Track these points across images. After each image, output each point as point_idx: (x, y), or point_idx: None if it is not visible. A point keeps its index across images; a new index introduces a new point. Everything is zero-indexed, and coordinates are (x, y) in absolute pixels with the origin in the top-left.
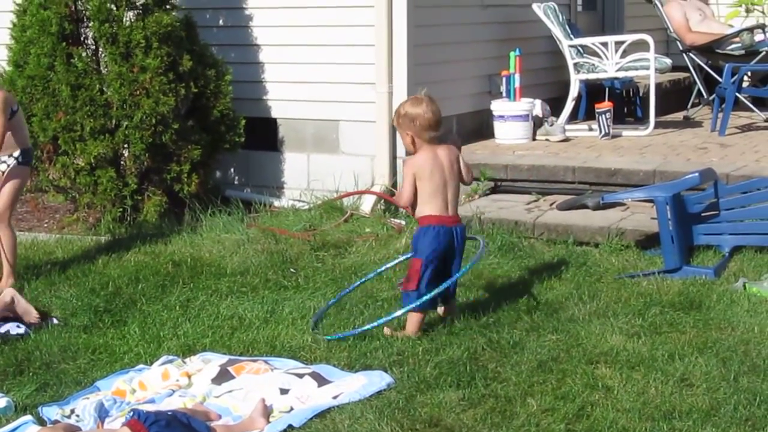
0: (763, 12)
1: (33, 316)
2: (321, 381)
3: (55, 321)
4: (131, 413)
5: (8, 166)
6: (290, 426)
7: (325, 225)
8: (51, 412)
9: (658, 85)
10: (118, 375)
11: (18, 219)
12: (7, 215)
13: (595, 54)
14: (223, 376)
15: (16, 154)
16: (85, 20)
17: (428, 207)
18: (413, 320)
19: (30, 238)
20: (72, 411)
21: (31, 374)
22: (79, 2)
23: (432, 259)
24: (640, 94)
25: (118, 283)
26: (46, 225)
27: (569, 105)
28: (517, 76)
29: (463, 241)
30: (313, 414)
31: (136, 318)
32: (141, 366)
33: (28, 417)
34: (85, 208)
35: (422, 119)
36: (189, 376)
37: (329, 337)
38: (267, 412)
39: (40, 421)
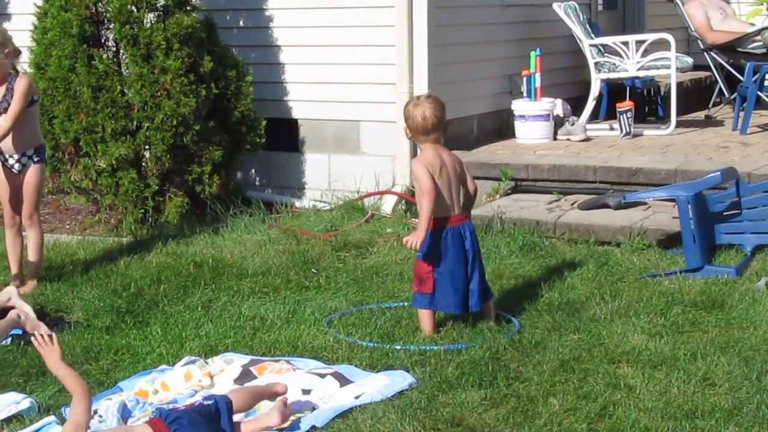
0: None
1: (43, 330)
2: (343, 381)
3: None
4: (155, 412)
5: (24, 165)
6: (313, 426)
7: (346, 225)
8: None
9: (679, 84)
10: (141, 376)
11: (40, 221)
12: (36, 215)
13: (616, 53)
14: (245, 376)
15: (30, 152)
16: (105, 22)
17: (435, 208)
18: (425, 319)
19: (52, 239)
20: (95, 411)
21: (53, 375)
22: (100, 4)
23: (444, 262)
24: (662, 93)
25: (141, 284)
26: (68, 226)
27: (590, 104)
28: (537, 76)
29: (474, 236)
30: (335, 414)
31: (158, 319)
32: (163, 367)
33: (51, 417)
34: (106, 210)
35: (413, 120)
36: (211, 377)
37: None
38: (287, 411)
39: (63, 422)
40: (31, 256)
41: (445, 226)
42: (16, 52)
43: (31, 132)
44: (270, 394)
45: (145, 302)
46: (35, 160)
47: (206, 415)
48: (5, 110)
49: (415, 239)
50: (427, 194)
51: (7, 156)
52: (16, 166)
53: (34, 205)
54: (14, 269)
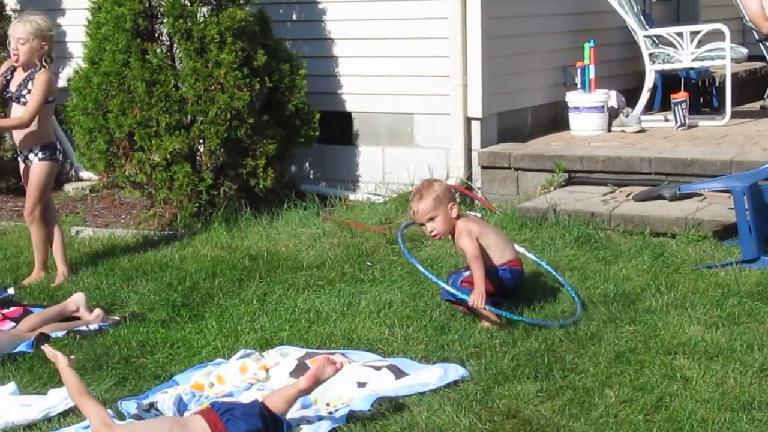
0: None
1: (95, 317)
2: (398, 373)
3: (117, 317)
4: (211, 405)
5: (30, 162)
6: (361, 411)
7: (400, 218)
8: (130, 406)
9: (734, 75)
10: (196, 369)
11: (95, 215)
12: (38, 212)
13: (671, 44)
14: (300, 369)
15: (36, 150)
16: (159, 16)
17: (507, 254)
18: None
19: (107, 234)
20: (151, 405)
21: (109, 369)
22: None
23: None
24: (716, 84)
25: (196, 278)
26: (122, 221)
27: (644, 96)
28: (592, 68)
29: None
30: (377, 397)
31: (213, 312)
32: (219, 360)
33: (108, 411)
34: (161, 204)
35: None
36: (267, 370)
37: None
38: (316, 372)
39: (119, 415)
40: (37, 252)
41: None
42: (50, 58)
43: (40, 130)
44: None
45: (200, 296)
46: (40, 157)
47: (257, 409)
48: (20, 99)
49: (477, 298)
50: (476, 259)
51: (19, 151)
52: (26, 161)
53: (33, 201)
54: (37, 263)
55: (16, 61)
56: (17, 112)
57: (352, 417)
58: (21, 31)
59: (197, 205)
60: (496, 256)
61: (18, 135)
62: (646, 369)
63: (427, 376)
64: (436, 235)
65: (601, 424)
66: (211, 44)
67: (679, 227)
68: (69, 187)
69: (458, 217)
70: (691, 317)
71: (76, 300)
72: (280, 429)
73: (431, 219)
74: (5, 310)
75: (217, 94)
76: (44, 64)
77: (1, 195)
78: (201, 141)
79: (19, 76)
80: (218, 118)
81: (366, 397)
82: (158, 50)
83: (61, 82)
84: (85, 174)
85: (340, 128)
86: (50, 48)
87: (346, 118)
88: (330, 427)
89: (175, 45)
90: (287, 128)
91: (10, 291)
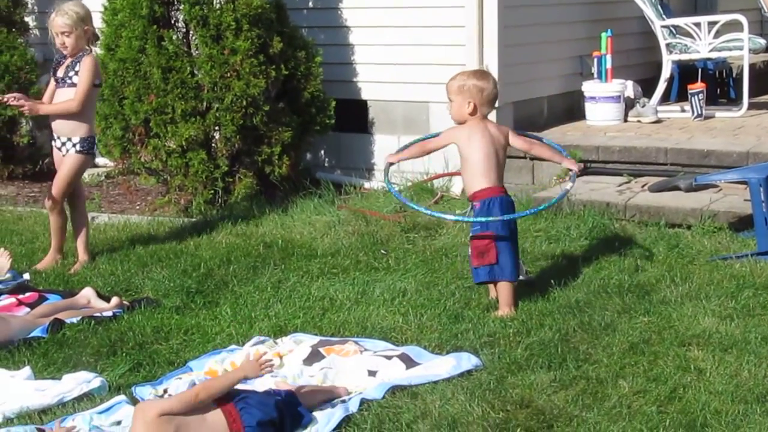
0: None
1: (112, 305)
2: (409, 363)
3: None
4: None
5: (67, 151)
6: (375, 400)
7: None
8: (144, 391)
9: (751, 66)
10: (211, 355)
11: (110, 201)
12: (61, 202)
13: (688, 34)
14: (314, 356)
15: (76, 140)
16: (175, 3)
17: (485, 180)
18: (506, 293)
19: (122, 220)
20: (165, 391)
21: (124, 354)
22: None
23: (502, 229)
24: (734, 75)
25: (210, 265)
26: (138, 207)
27: (661, 86)
28: (608, 57)
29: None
30: (390, 386)
31: (227, 299)
32: (233, 346)
33: (122, 397)
34: (176, 191)
35: (490, 93)
36: (281, 357)
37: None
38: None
39: (134, 401)
40: (54, 238)
41: (497, 195)
42: (95, 36)
43: (83, 116)
44: (332, 396)
45: (214, 282)
46: (77, 149)
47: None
48: (65, 81)
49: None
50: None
51: (56, 136)
52: (62, 149)
53: (60, 191)
54: (53, 246)
55: (68, 53)
56: (64, 95)
57: (364, 405)
58: (62, 25)
59: (212, 192)
60: (476, 175)
61: (59, 118)
62: (660, 360)
63: (438, 368)
64: None
65: (615, 414)
66: (227, 31)
67: (695, 218)
68: (84, 173)
69: (473, 113)
70: (705, 309)
71: (86, 294)
72: (298, 420)
73: (450, 99)
74: (21, 296)
75: (233, 81)
76: (90, 46)
77: (17, 181)
78: (216, 128)
79: (67, 60)
80: (234, 105)
81: (379, 386)
82: (174, 37)
83: None
84: (100, 160)
85: (355, 116)
86: (92, 29)
87: (362, 106)
88: (343, 415)
89: (191, 32)
90: (303, 116)
91: (26, 276)
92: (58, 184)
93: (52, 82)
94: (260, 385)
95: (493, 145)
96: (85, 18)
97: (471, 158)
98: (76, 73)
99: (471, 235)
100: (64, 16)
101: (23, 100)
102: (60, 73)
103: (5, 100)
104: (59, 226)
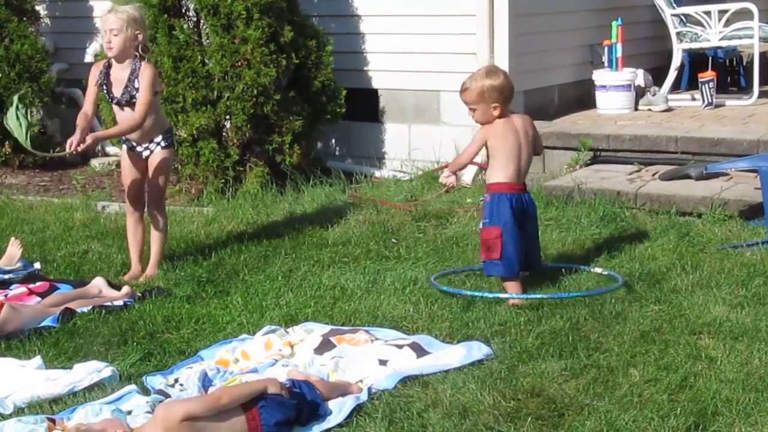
0: None
1: (123, 294)
2: (420, 352)
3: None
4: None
5: (151, 152)
6: (386, 390)
7: (426, 195)
8: (155, 381)
9: (762, 54)
10: (222, 345)
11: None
12: (162, 202)
13: (698, 23)
14: (325, 346)
15: (158, 139)
16: None
17: (502, 173)
18: (511, 289)
19: None
20: (176, 380)
21: (135, 344)
22: None
23: (510, 226)
24: (744, 64)
25: (221, 254)
26: None
27: (672, 74)
28: (619, 46)
29: (534, 206)
30: (403, 376)
31: (238, 288)
32: (244, 336)
33: (133, 386)
34: (187, 180)
35: (508, 88)
36: (292, 346)
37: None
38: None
39: (144, 390)
40: (155, 242)
41: (511, 191)
42: (146, 47)
43: (155, 120)
44: (345, 390)
45: (225, 272)
46: (163, 145)
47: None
48: (128, 100)
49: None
50: (461, 163)
51: (134, 144)
52: (144, 153)
53: (161, 191)
54: (134, 258)
55: (111, 53)
56: (129, 113)
57: (375, 394)
58: (113, 22)
59: (223, 180)
60: (496, 168)
61: (137, 131)
62: (671, 348)
63: (449, 357)
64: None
65: (625, 403)
66: (237, 20)
67: (705, 207)
68: (95, 162)
69: (501, 116)
70: (716, 297)
71: (97, 284)
72: (314, 411)
73: (471, 109)
74: (32, 285)
75: (244, 70)
76: (142, 54)
77: (28, 170)
78: (227, 117)
79: (117, 74)
80: (245, 94)
81: (390, 375)
82: (185, 26)
83: (88, 57)
84: (111, 149)
85: (366, 105)
86: (145, 37)
87: (373, 95)
88: (354, 404)
89: (202, 21)
90: (313, 105)
91: (37, 265)
92: (155, 185)
93: (94, 89)
94: (271, 374)
95: (518, 141)
96: (137, 21)
97: (496, 152)
98: (137, 89)
99: (480, 227)
100: (117, 14)
101: (90, 141)
102: (116, 92)
103: (74, 151)
104: (161, 228)
